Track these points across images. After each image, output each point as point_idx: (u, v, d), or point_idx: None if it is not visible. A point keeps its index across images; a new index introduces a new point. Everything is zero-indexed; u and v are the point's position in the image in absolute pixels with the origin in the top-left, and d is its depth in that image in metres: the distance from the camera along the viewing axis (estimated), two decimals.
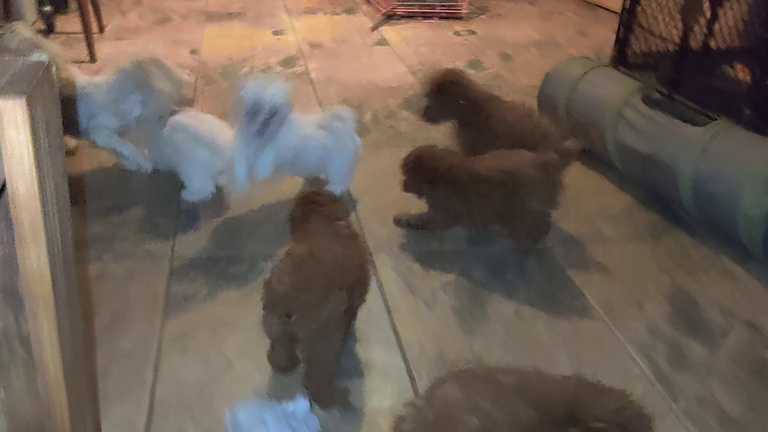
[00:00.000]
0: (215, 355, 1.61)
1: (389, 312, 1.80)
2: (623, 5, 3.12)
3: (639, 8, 3.06)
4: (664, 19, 2.95)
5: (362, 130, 2.90)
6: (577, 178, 2.61)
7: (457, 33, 4.40)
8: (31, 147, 0.70)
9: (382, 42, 4.13)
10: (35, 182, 0.72)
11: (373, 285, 1.86)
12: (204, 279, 1.89)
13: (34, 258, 0.75)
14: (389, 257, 2.04)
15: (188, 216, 2.20)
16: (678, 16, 2.84)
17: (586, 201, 2.45)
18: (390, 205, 2.28)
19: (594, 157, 2.70)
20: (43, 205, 0.74)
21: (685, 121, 2.36)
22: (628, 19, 3.12)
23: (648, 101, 2.53)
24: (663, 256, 2.14)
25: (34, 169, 0.71)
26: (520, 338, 1.74)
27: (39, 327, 0.78)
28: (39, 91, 0.73)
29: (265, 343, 1.54)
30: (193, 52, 3.70)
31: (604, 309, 1.87)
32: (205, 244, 2.06)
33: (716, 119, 2.31)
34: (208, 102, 3.07)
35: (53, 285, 0.77)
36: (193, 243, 2.06)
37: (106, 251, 1.99)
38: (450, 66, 3.71)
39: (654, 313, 1.87)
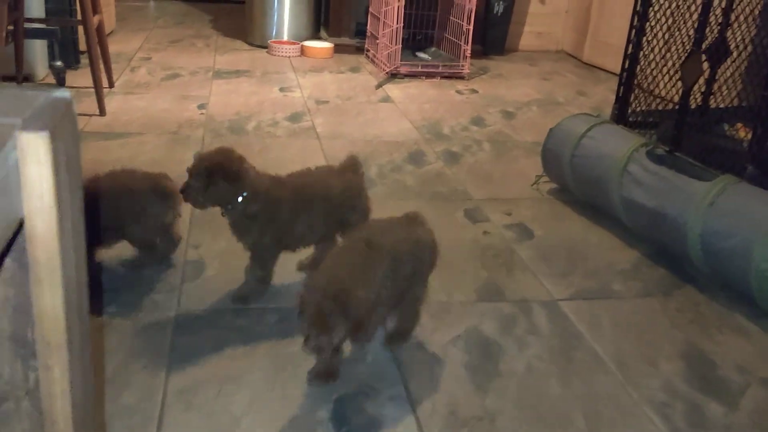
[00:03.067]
0: (221, 412, 1.56)
1: (399, 366, 1.76)
2: (622, 66, 3.19)
3: (638, 69, 3.13)
4: (663, 79, 3.01)
5: (368, 183, 2.91)
6: (584, 232, 2.61)
7: (459, 92, 4.48)
8: (52, 183, 0.69)
9: (387, 99, 4.19)
10: (54, 220, 0.70)
11: (380, 337, 1.83)
12: (209, 332, 1.85)
13: (50, 300, 0.72)
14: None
15: (195, 267, 2.17)
16: (677, 76, 2.89)
17: (593, 256, 2.43)
18: None
19: (600, 212, 2.70)
20: (62, 244, 0.72)
21: (690, 176, 2.37)
22: (627, 79, 3.18)
23: (653, 156, 2.55)
24: (674, 313, 2.11)
25: (54, 207, 0.69)
26: (533, 395, 1.69)
27: (50, 377, 0.75)
28: (61, 126, 0.72)
29: (272, 401, 1.49)
30: (200, 107, 3.74)
31: (617, 365, 1.83)
32: (211, 295, 2.02)
33: (721, 174, 2.32)
34: None
35: (67, 330, 0.74)
36: (199, 294, 2.03)
37: (111, 302, 1.96)
38: (452, 122, 3.77)
39: (669, 370, 1.83)
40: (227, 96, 3.97)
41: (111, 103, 3.65)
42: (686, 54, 2.83)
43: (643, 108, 3.20)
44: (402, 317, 1.80)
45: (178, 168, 2.89)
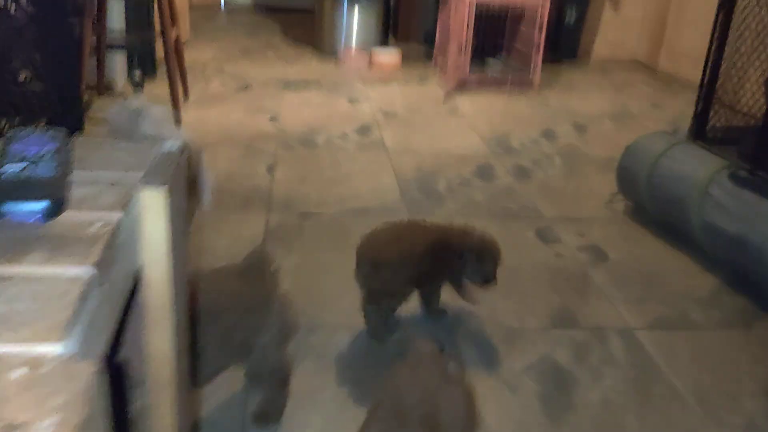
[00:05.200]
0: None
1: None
2: (702, 78, 3.08)
3: (719, 82, 3.02)
4: (745, 94, 2.90)
5: (437, 198, 2.91)
6: (660, 256, 2.54)
7: (528, 103, 4.42)
8: (166, 234, 0.72)
9: (454, 111, 4.18)
10: (168, 268, 0.73)
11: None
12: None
13: (161, 342, 0.76)
14: (468, 331, 2.00)
15: None
16: (762, 90, 2.78)
17: (670, 281, 2.36)
18: None
19: (676, 234, 2.62)
20: (173, 290, 0.75)
21: None
22: (707, 92, 3.07)
23: (736, 179, 2.46)
24: (756, 346, 2.03)
25: (168, 256, 0.73)
26: (610, 430, 1.65)
27: (159, 413, 0.78)
28: (175, 179, 0.76)
29: (344, 423, 1.51)
30: (272, 119, 3.82)
31: (697, 401, 1.77)
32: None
33: None
34: (286, 168, 3.15)
35: (175, 370, 0.77)
36: None
37: None
38: (521, 135, 3.72)
39: (752, 407, 1.76)
40: (297, 108, 4.04)
41: (187, 114, 3.77)
42: None
43: (724, 124, 3.09)
44: (266, 394, 1.59)
45: (249, 181, 2.98)
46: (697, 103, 3.11)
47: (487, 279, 1.96)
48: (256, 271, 1.48)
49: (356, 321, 1.99)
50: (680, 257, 2.53)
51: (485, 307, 2.11)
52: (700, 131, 3.10)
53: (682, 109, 4.32)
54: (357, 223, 2.64)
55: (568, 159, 3.48)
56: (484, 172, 3.23)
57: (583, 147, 3.66)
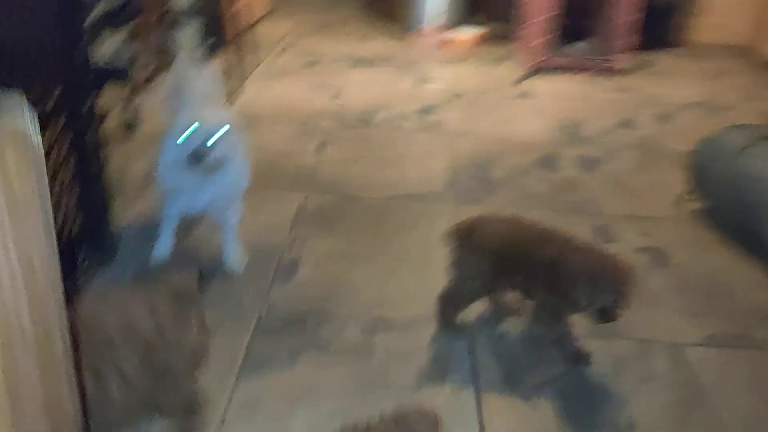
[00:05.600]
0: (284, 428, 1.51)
1: (479, 403, 1.62)
2: None
3: None
4: None
5: (488, 188, 2.75)
6: (730, 265, 2.28)
7: (611, 89, 4.12)
8: None
9: (526, 95, 3.95)
10: None
11: (464, 365, 1.69)
12: (289, 339, 1.81)
13: None
14: (485, 337, 1.86)
15: (289, 267, 2.14)
16: None
17: (737, 295, 2.11)
18: None
19: (754, 244, 2.34)
20: None
21: None
22: None
23: None
24: None
25: None
26: None
27: None
28: None
29: (337, 417, 1.42)
30: (334, 96, 3.74)
31: (741, 430, 1.56)
32: (299, 301, 1.98)
33: None
34: (338, 147, 3.07)
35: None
36: (287, 297, 1.99)
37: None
38: (595, 123, 3.46)
39: None
40: (362, 85, 3.94)
41: (249, 88, 3.75)
42: None
43: None
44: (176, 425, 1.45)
45: (298, 160, 2.92)
46: None
47: (606, 317, 1.61)
48: (180, 296, 1.35)
49: (372, 314, 1.89)
50: (753, 269, 2.26)
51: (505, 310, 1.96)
52: None
53: None
54: (400, 210, 2.53)
55: (644, 151, 3.21)
56: (547, 162, 3.03)
57: (662, 139, 3.37)
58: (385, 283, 2.08)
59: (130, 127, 3.03)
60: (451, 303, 1.81)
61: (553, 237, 1.71)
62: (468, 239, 1.73)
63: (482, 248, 1.71)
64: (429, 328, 1.86)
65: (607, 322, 1.60)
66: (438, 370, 1.71)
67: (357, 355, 1.77)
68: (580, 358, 1.74)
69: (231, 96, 3.49)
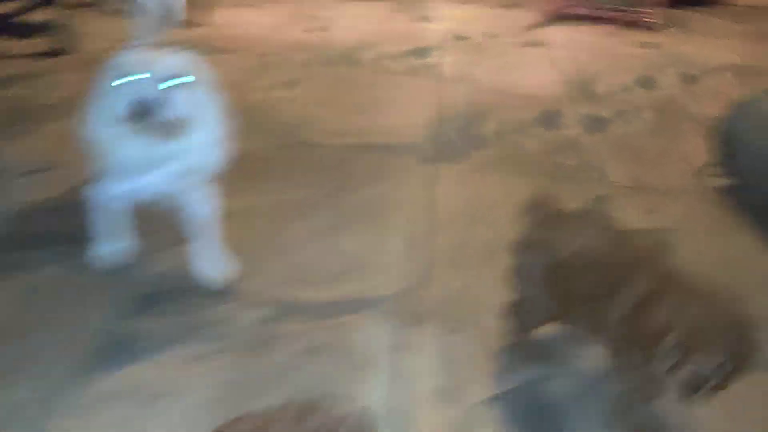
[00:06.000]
0: None
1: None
2: None
3: None
4: None
5: (477, 143, 2.36)
6: (752, 254, 1.92)
7: (636, 44, 3.65)
8: None
9: (538, 43, 3.51)
10: None
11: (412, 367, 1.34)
12: (157, 319, 1.45)
13: None
14: (463, 335, 1.50)
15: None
16: None
17: (758, 292, 1.72)
18: (479, 248, 1.74)
19: None
20: None
21: None
22: None
23: None
24: None
25: None
26: None
27: None
28: None
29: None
30: (322, 29, 3.32)
31: None
32: (178, 269, 1.59)
33: None
34: (310, 86, 2.68)
35: None
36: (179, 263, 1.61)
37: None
38: (611, 80, 3.02)
39: None
40: (355, 20, 3.52)
41: (219, 14, 3.33)
42: None
43: None
44: None
45: (254, 97, 2.48)
46: None
47: (696, 389, 1.12)
48: None
49: (286, 296, 1.53)
50: None
51: (499, 300, 1.59)
52: None
53: None
54: (359, 161, 2.15)
55: (662, 114, 2.78)
56: (548, 118, 2.62)
57: (686, 102, 2.93)
58: (315, 249, 1.71)
59: (57, 53, 2.63)
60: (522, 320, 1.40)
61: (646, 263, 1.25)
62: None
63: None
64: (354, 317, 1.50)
65: (697, 394, 1.13)
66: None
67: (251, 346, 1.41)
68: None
69: (190, 23, 3.08)
